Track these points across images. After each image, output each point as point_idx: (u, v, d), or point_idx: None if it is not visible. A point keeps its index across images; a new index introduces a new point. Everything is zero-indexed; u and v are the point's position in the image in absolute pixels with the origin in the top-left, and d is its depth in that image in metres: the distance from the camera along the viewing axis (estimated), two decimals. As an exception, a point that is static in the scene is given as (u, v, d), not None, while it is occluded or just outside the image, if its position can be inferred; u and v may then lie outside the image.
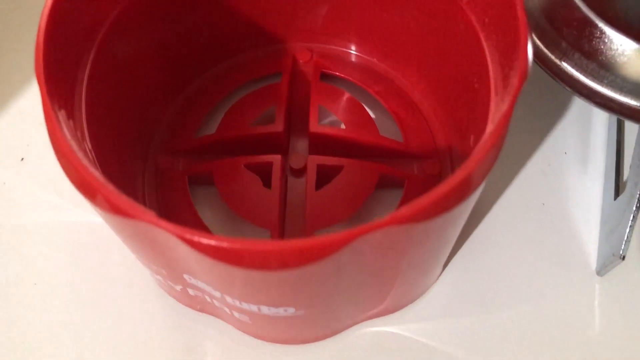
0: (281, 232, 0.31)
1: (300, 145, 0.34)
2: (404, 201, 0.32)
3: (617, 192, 0.32)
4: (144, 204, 0.32)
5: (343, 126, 0.34)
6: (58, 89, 0.23)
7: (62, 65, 0.24)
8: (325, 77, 0.36)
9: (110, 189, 0.20)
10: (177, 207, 0.32)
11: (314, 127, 0.32)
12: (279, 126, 0.32)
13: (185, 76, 0.35)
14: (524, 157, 0.35)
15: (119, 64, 0.29)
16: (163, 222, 0.19)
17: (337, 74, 0.36)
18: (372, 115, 0.36)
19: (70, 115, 0.23)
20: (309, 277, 0.21)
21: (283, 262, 0.19)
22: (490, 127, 0.22)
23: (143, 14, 0.29)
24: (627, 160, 0.33)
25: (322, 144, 0.33)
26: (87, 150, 0.24)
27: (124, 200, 0.20)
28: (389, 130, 0.35)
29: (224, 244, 0.19)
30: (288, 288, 0.22)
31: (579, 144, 0.35)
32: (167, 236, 0.20)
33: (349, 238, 0.19)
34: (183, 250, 0.20)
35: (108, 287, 0.31)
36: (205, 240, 0.19)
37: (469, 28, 0.28)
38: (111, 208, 0.20)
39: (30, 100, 0.37)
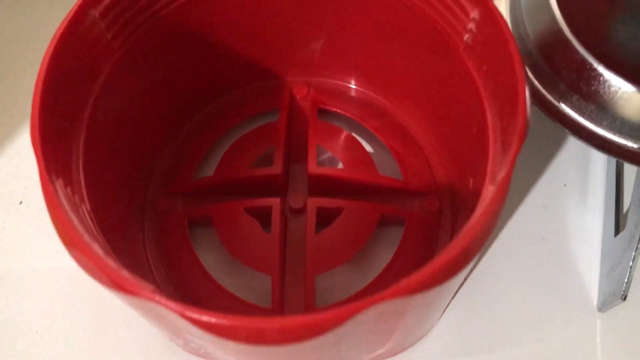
0: (282, 277, 0.31)
1: (299, 185, 0.34)
2: (404, 239, 0.32)
3: (617, 228, 0.32)
4: (144, 247, 0.32)
5: (341, 164, 0.34)
6: (55, 157, 0.23)
7: (58, 132, 0.24)
8: (323, 110, 0.36)
9: (110, 265, 0.20)
10: (177, 250, 0.32)
11: (313, 168, 0.32)
12: (277, 168, 0.32)
13: (181, 116, 0.35)
14: (524, 190, 0.35)
15: (114, 117, 0.29)
16: (162, 299, 0.20)
17: (335, 109, 0.36)
18: (371, 150, 0.36)
19: (68, 182, 0.23)
20: (309, 347, 0.21)
21: (283, 339, 0.19)
22: (489, 189, 0.22)
23: (135, 63, 0.29)
24: (627, 192, 0.33)
25: (321, 185, 0.33)
26: (86, 212, 0.24)
27: (124, 277, 0.20)
28: (388, 166, 0.35)
29: (224, 321, 0.19)
30: (289, 356, 0.22)
31: (579, 175, 0.35)
32: (167, 310, 0.20)
33: (348, 314, 0.19)
34: (183, 323, 0.20)
35: (111, 333, 0.31)
36: (204, 318, 0.19)
37: (466, 73, 0.28)
38: (112, 284, 0.20)
39: (28, 142, 0.36)
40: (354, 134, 0.36)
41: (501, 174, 0.22)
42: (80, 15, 0.25)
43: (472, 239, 0.20)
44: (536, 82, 0.30)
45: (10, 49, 0.40)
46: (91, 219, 0.24)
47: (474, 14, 0.26)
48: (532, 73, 0.30)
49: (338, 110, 0.36)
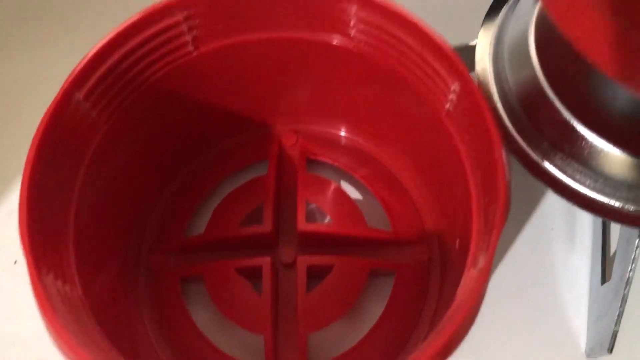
0: (274, 337, 0.31)
1: (290, 239, 0.34)
2: (395, 291, 0.33)
3: (604, 276, 0.32)
4: (139, 306, 0.33)
5: (329, 218, 0.34)
6: (45, 250, 0.24)
7: (47, 221, 0.24)
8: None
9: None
10: (171, 308, 0.32)
11: (302, 225, 0.33)
12: (267, 227, 0.32)
13: (169, 173, 0.35)
14: (512, 235, 0.35)
15: (103, 188, 0.29)
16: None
17: (323, 159, 0.36)
18: (360, 197, 0.36)
19: (59, 275, 0.24)
20: None
21: None
22: (472, 274, 0.23)
23: (121, 133, 0.29)
24: (614, 235, 0.34)
25: (310, 241, 0.33)
26: (78, 299, 0.25)
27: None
28: (377, 214, 0.35)
29: None
30: None
31: (566, 218, 0.35)
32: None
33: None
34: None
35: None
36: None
37: (449, 138, 0.28)
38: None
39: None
40: (343, 181, 0.36)
41: (482, 261, 0.22)
42: (64, 101, 0.25)
43: (452, 333, 0.20)
44: (519, 139, 0.30)
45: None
46: (83, 304, 0.25)
47: (454, 86, 0.26)
48: (514, 129, 0.30)
49: (327, 160, 0.36)
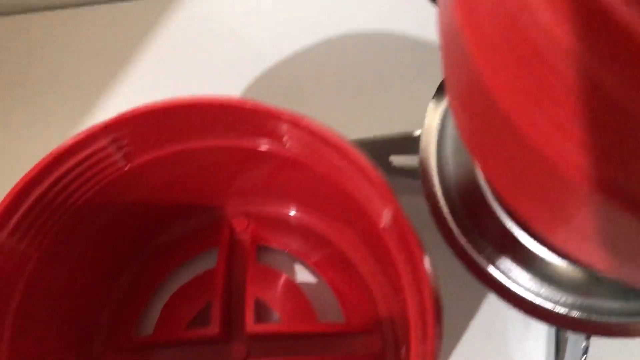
0: None
1: (240, 338, 0.33)
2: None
3: (557, 367, 0.32)
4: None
5: (278, 315, 0.34)
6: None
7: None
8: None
9: None
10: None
11: (251, 326, 0.32)
12: (214, 328, 0.32)
13: (114, 272, 0.34)
14: (467, 318, 0.35)
15: (43, 307, 0.29)
16: None
17: (274, 246, 0.35)
18: (313, 281, 0.36)
19: None
20: None
21: None
22: None
23: (56, 253, 0.29)
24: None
25: (260, 341, 0.33)
26: None
27: None
28: (330, 300, 0.35)
29: None
30: None
31: (522, 298, 0.35)
32: None
33: None
34: None
35: None
36: None
37: (388, 252, 0.27)
38: None
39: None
40: (296, 264, 0.36)
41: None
42: (-14, 246, 0.25)
43: None
44: (463, 242, 0.29)
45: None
46: None
47: (386, 210, 0.25)
48: (459, 230, 0.29)
49: (278, 247, 0.35)
